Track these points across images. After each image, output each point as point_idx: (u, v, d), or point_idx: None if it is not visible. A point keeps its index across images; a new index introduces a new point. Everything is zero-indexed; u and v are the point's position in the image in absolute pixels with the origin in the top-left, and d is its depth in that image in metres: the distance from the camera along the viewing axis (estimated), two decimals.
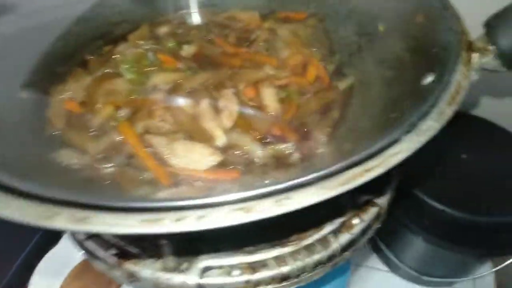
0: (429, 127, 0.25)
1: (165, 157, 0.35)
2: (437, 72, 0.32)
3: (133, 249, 0.33)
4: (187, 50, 0.46)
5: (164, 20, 0.50)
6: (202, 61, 0.46)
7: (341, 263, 0.36)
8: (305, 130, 0.38)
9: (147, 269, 0.32)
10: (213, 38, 0.48)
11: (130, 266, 0.33)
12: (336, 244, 0.35)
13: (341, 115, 0.40)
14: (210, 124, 0.37)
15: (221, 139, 0.36)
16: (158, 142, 0.36)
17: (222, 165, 0.36)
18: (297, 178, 0.22)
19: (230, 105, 0.38)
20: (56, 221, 0.22)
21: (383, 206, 0.40)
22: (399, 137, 0.25)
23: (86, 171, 0.35)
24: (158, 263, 0.32)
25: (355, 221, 0.37)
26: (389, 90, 0.39)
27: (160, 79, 0.42)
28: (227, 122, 0.38)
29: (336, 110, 0.41)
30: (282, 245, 0.34)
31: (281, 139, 0.38)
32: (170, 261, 0.32)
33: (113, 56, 0.46)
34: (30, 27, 0.48)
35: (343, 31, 0.50)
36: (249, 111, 0.39)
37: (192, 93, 0.39)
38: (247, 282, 0.32)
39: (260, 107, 0.40)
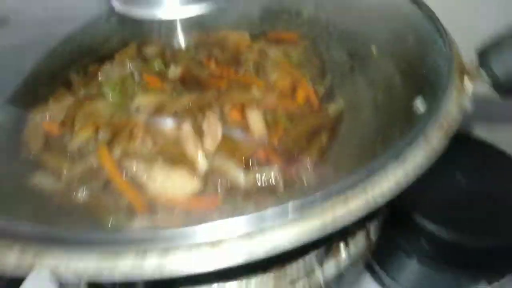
0: (418, 162, 0.23)
1: (143, 182, 0.34)
2: (428, 98, 0.31)
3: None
4: (174, 71, 0.45)
5: (152, 39, 0.48)
6: (188, 83, 0.44)
7: None
8: (291, 155, 0.37)
9: None
10: (201, 58, 0.47)
11: None
12: (321, 274, 0.33)
13: (329, 140, 0.38)
14: (191, 148, 0.35)
15: (202, 164, 0.34)
16: (137, 166, 0.34)
17: (203, 191, 0.34)
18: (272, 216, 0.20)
19: (214, 128, 0.37)
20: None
21: (373, 230, 0.38)
22: (384, 169, 0.23)
23: (59, 197, 0.33)
24: None
25: (342, 246, 0.35)
26: (379, 115, 0.37)
27: (144, 101, 0.41)
28: (210, 146, 0.36)
29: (324, 135, 0.39)
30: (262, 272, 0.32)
31: (266, 165, 0.36)
32: None
33: (98, 76, 0.45)
34: (16, 43, 0.47)
35: (335, 53, 0.49)
36: (234, 135, 0.38)
37: (174, 116, 0.38)
38: None
39: (245, 130, 0.38)
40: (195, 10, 0.34)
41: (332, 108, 0.42)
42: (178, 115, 0.38)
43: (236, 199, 0.33)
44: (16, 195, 0.34)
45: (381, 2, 0.44)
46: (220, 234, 0.20)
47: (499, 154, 0.62)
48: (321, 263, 0.34)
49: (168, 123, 0.37)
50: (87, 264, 0.19)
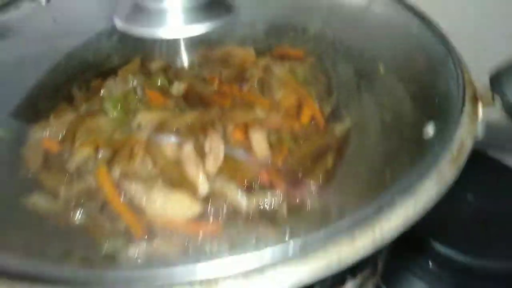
0: (429, 197, 0.22)
1: (142, 205, 0.33)
2: (438, 123, 0.30)
3: None
4: (178, 87, 0.44)
5: (157, 54, 0.48)
6: (191, 100, 0.44)
7: None
8: (295, 178, 0.36)
9: None
10: (206, 75, 0.46)
11: None
12: None
13: (334, 163, 0.37)
14: (192, 170, 0.34)
15: (203, 187, 0.33)
16: (136, 188, 0.33)
17: (203, 215, 0.33)
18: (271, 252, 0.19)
19: (216, 149, 0.36)
20: None
21: (381, 258, 0.37)
22: (393, 204, 0.22)
23: (56, 218, 0.33)
24: None
25: (348, 277, 0.34)
26: (386, 139, 0.36)
27: (146, 118, 0.40)
28: (212, 167, 0.35)
29: (330, 157, 0.38)
30: None
31: (269, 188, 0.35)
32: None
33: (100, 91, 0.44)
34: (22, 55, 0.46)
35: (341, 70, 0.48)
36: (236, 156, 0.36)
37: (176, 134, 0.37)
38: None
39: (248, 151, 0.37)
40: (198, 30, 0.33)
41: (339, 128, 0.41)
42: (180, 134, 0.37)
43: (237, 226, 0.32)
44: (11, 216, 0.33)
45: (390, 21, 0.43)
46: (217, 273, 0.19)
47: None
48: None
49: (169, 143, 0.36)
50: None
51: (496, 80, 0.31)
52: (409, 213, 0.21)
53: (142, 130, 0.38)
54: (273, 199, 0.34)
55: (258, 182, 0.35)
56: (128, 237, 0.31)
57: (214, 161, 0.35)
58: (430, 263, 0.53)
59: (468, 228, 0.54)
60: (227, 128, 0.39)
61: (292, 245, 0.19)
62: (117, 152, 0.36)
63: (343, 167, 0.37)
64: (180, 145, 0.36)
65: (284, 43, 0.53)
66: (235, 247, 0.23)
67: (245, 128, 0.39)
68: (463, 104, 0.29)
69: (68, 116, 0.41)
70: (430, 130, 0.30)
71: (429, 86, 0.35)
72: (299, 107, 0.43)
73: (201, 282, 0.19)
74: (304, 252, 0.19)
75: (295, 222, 0.31)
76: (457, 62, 0.34)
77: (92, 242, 0.31)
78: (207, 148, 0.36)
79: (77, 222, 0.32)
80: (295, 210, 0.33)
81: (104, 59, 0.47)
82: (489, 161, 0.63)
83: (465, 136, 0.27)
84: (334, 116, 0.43)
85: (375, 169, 0.32)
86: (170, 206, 0.32)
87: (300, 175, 0.36)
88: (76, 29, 0.47)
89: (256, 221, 0.33)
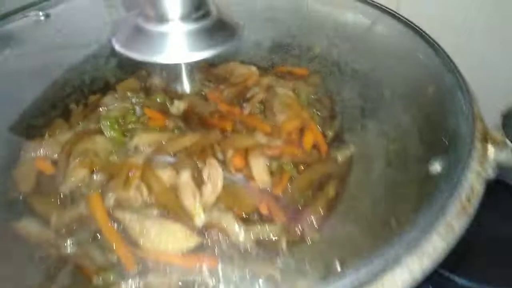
0: (437, 252, 0.20)
1: (135, 236, 0.31)
2: (446, 164, 0.28)
3: None
4: (177, 106, 0.43)
5: (157, 70, 0.47)
6: (191, 120, 0.42)
7: None
8: (296, 210, 0.34)
9: None
10: (207, 93, 0.45)
11: None
12: None
13: (337, 193, 0.36)
14: (189, 200, 0.33)
15: (200, 219, 0.32)
16: (129, 218, 0.32)
17: (199, 248, 0.31)
18: None
19: (214, 177, 0.35)
20: None
21: None
22: (398, 262, 0.21)
23: (46, 247, 0.31)
24: None
25: None
26: (391, 171, 0.35)
27: (143, 140, 0.39)
28: (209, 197, 0.34)
29: (332, 187, 0.36)
30: None
31: (268, 220, 0.34)
32: None
33: (97, 108, 0.43)
34: (22, 71, 0.45)
35: (346, 93, 0.46)
36: (235, 184, 0.35)
37: (174, 160, 0.36)
38: None
39: (248, 179, 0.36)
40: (201, 55, 0.32)
41: (341, 155, 0.40)
42: (177, 161, 0.36)
43: (234, 261, 0.30)
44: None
45: (398, 45, 0.42)
46: None
47: None
48: None
49: (166, 169, 0.35)
50: None
51: (509, 118, 0.29)
52: (415, 273, 0.20)
53: (139, 153, 0.37)
54: (272, 233, 0.33)
55: (257, 214, 0.34)
56: (120, 270, 0.30)
57: (212, 190, 0.34)
58: None
59: (487, 258, 0.51)
60: (226, 154, 0.38)
61: None
62: (112, 177, 0.35)
63: (345, 198, 0.35)
64: (177, 172, 0.35)
65: (288, 61, 0.52)
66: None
67: (245, 154, 0.38)
68: (473, 145, 0.28)
69: (64, 135, 0.40)
70: (437, 167, 0.29)
71: (436, 118, 0.34)
72: (301, 131, 0.42)
73: None
74: None
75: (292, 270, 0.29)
76: (467, 94, 0.33)
77: (82, 275, 0.30)
78: (205, 176, 0.35)
79: (67, 251, 0.31)
80: (294, 247, 0.32)
81: (103, 74, 0.46)
82: (506, 187, 0.59)
83: (475, 180, 0.25)
84: (336, 140, 0.42)
85: (378, 207, 0.31)
86: (165, 238, 0.31)
87: (300, 206, 0.35)
88: (77, 41, 0.45)
89: (254, 257, 0.31)
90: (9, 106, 0.43)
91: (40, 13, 0.42)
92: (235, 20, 0.36)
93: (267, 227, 0.33)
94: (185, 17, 0.32)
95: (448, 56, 0.37)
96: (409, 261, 0.20)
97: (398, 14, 0.44)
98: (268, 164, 0.37)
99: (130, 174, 0.35)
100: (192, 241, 0.31)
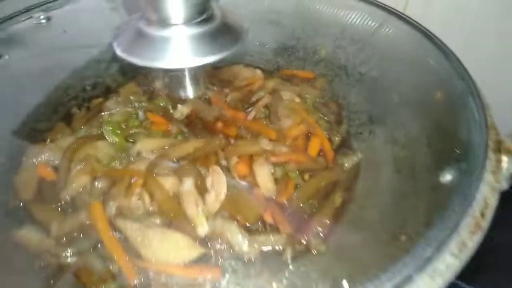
0: (451, 272, 0.19)
1: (137, 246, 0.31)
2: (457, 172, 0.27)
3: None
4: (181, 110, 0.42)
5: (160, 74, 0.46)
6: (195, 125, 0.42)
7: None
8: (301, 220, 0.34)
9: None
10: (211, 97, 0.44)
11: None
12: None
13: (344, 202, 0.35)
14: (192, 209, 0.32)
15: (203, 228, 0.31)
16: (131, 227, 0.31)
17: (202, 259, 0.31)
18: None
19: (218, 185, 0.34)
20: None
21: None
22: (409, 280, 0.20)
23: (46, 257, 0.31)
24: None
25: None
26: (400, 180, 0.34)
27: (146, 146, 0.38)
28: (213, 205, 0.33)
29: (338, 195, 0.35)
30: None
31: (273, 230, 0.33)
32: None
33: (100, 112, 0.42)
34: (22, 74, 0.44)
35: (353, 97, 0.45)
36: (239, 192, 0.34)
37: (177, 169, 0.35)
38: None
39: (252, 187, 0.35)
40: (204, 61, 0.31)
41: (349, 162, 0.39)
42: (180, 168, 0.35)
43: (237, 273, 0.30)
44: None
45: (407, 49, 0.41)
46: None
47: None
48: None
49: (168, 178, 0.34)
50: None
51: None
52: None
53: (141, 160, 0.37)
54: (277, 243, 0.32)
55: (262, 223, 0.33)
56: (121, 281, 0.29)
57: (215, 199, 0.33)
58: None
59: (500, 269, 0.49)
60: (230, 160, 0.37)
61: None
62: (114, 184, 0.35)
63: (352, 207, 0.34)
64: (180, 179, 0.34)
65: (293, 63, 0.51)
66: None
67: (250, 161, 0.37)
68: (486, 155, 0.27)
69: (65, 140, 0.39)
70: (448, 177, 0.28)
71: (446, 125, 0.33)
72: (307, 137, 0.41)
73: None
74: None
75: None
76: (478, 100, 0.32)
77: (82, 285, 0.29)
78: (208, 183, 0.34)
79: (67, 261, 0.31)
80: (299, 259, 0.31)
81: (105, 78, 0.45)
82: None
83: (489, 193, 0.24)
84: (343, 147, 0.41)
85: (387, 218, 0.30)
86: (167, 248, 0.30)
87: (306, 215, 0.34)
88: (79, 44, 0.45)
89: (259, 266, 0.30)
90: (10, 110, 0.42)
91: (41, 16, 0.41)
92: (240, 23, 0.35)
93: (271, 237, 0.32)
94: (188, 21, 0.32)
95: (458, 60, 0.36)
96: (420, 280, 0.19)
97: (406, 16, 0.43)
98: (273, 171, 0.36)
99: (132, 181, 0.34)
100: (195, 251, 0.30)
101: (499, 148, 0.28)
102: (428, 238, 0.21)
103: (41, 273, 0.30)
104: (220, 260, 0.31)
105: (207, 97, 0.45)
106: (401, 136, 0.37)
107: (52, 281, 0.30)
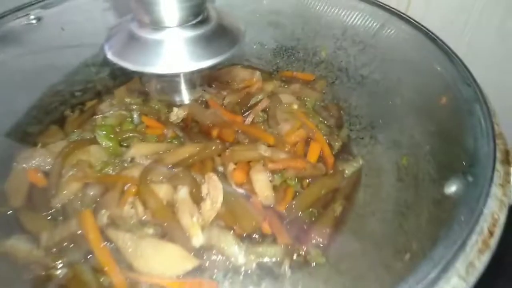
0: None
1: (129, 258, 0.29)
2: (463, 184, 0.26)
3: None
4: (177, 113, 0.41)
5: (155, 75, 0.44)
6: (191, 129, 0.40)
7: None
8: (300, 230, 0.32)
9: None
10: (208, 100, 0.43)
11: None
12: None
13: (344, 211, 0.34)
14: (187, 219, 0.31)
15: (198, 239, 0.30)
16: (123, 238, 0.30)
17: (197, 270, 0.30)
18: None
19: (214, 193, 0.33)
20: None
21: None
22: None
23: (35, 268, 0.30)
24: None
25: None
26: (402, 189, 0.32)
27: (140, 151, 0.37)
28: (208, 215, 0.32)
29: (338, 204, 0.34)
30: None
31: (270, 240, 0.32)
32: None
33: (93, 115, 0.41)
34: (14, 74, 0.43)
35: (354, 100, 0.44)
36: (236, 201, 0.33)
37: (171, 176, 0.33)
38: None
39: (249, 195, 0.34)
40: (199, 65, 0.29)
41: (349, 169, 0.38)
42: (175, 174, 0.34)
43: (234, 285, 0.29)
44: None
45: (410, 51, 0.39)
46: None
47: None
48: None
49: (163, 186, 0.33)
50: None
51: None
52: None
53: (135, 166, 0.35)
54: (274, 254, 0.31)
55: (259, 233, 0.32)
56: None
57: (211, 207, 0.32)
58: None
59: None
60: (227, 167, 0.35)
61: None
62: (107, 191, 0.33)
63: (352, 220, 0.33)
64: (174, 187, 0.33)
65: (293, 65, 0.49)
66: None
67: (247, 168, 0.36)
68: (493, 168, 0.25)
69: (57, 144, 0.38)
70: (453, 189, 0.27)
71: (451, 133, 0.32)
72: (307, 142, 0.39)
73: None
74: None
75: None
76: (485, 106, 0.30)
77: None
78: (204, 191, 0.33)
79: (57, 273, 0.29)
80: (297, 271, 0.30)
81: (99, 80, 0.44)
82: None
83: (497, 208, 0.23)
84: (344, 153, 0.40)
85: (389, 228, 0.29)
86: (160, 260, 0.29)
87: (305, 225, 0.33)
88: (71, 45, 0.43)
89: (256, 279, 0.29)
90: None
91: (32, 17, 0.40)
92: (237, 25, 0.34)
93: (269, 248, 0.31)
94: (183, 23, 0.30)
95: (462, 63, 0.34)
96: None
97: (408, 16, 0.41)
98: (271, 178, 0.35)
99: (125, 188, 0.33)
100: (189, 263, 0.29)
101: (508, 160, 0.27)
102: (434, 260, 0.20)
103: (29, 285, 0.29)
104: (216, 272, 0.30)
105: (203, 99, 0.43)
106: (404, 142, 0.36)
107: None
